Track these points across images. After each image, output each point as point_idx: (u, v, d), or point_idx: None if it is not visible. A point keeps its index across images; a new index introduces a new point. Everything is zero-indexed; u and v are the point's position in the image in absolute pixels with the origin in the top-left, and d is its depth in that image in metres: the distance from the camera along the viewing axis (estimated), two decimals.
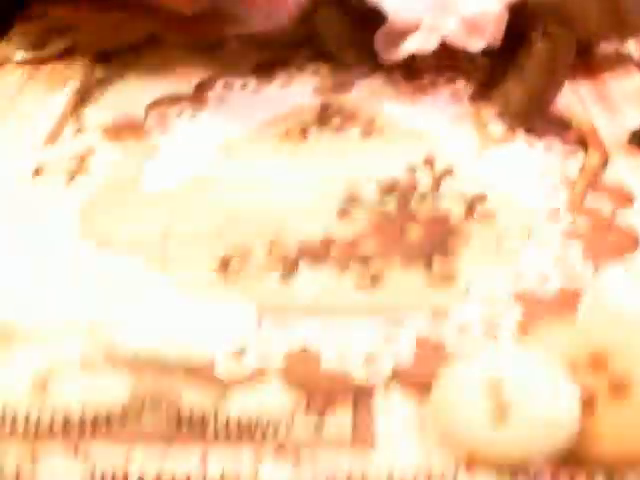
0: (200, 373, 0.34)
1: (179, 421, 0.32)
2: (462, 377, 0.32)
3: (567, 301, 0.36)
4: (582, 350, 0.31)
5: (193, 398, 0.33)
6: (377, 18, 0.53)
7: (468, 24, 0.51)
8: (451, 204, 0.42)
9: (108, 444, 0.31)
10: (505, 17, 0.50)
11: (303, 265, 0.39)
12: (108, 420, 0.32)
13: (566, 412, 0.29)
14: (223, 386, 0.34)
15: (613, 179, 0.44)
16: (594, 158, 0.45)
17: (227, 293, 0.38)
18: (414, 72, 0.55)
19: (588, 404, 0.30)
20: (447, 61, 0.55)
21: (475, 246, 0.40)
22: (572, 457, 0.30)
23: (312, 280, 0.39)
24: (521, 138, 0.48)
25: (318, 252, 0.40)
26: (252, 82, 0.56)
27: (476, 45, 0.51)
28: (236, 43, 0.61)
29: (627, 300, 0.37)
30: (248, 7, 0.58)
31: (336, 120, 0.51)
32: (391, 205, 0.43)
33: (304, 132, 0.50)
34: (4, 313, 0.37)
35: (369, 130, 0.49)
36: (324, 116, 0.51)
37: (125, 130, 0.51)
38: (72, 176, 0.47)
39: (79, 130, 0.52)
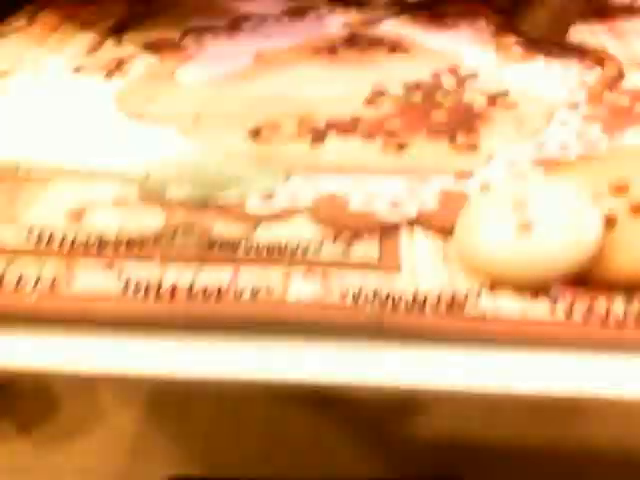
0: (231, 210, 0.35)
1: (211, 244, 0.33)
2: (488, 199, 0.33)
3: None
4: (603, 180, 0.32)
5: (224, 228, 0.34)
6: None
7: None
8: (474, 97, 0.44)
9: (142, 262, 0.32)
10: None
11: (331, 136, 0.41)
12: (142, 242, 0.33)
13: (587, 231, 0.30)
14: (253, 220, 0.35)
15: (630, 85, 0.46)
16: (611, 69, 0.46)
17: (258, 152, 0.40)
18: (438, 14, 0.58)
19: (609, 224, 0.30)
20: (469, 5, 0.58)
21: (498, 126, 0.41)
22: (592, 278, 0.30)
23: (340, 146, 0.40)
24: (540, 59, 0.50)
25: (346, 127, 0.42)
26: (285, 18, 0.59)
27: None
28: None
29: None
30: None
31: (364, 43, 0.53)
32: (417, 98, 0.45)
33: (333, 50, 0.52)
34: (44, 158, 0.39)
35: (395, 48, 0.52)
36: (352, 40, 0.54)
37: (162, 44, 0.54)
38: (110, 74, 0.49)
39: (117, 44, 0.54)
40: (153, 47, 0.53)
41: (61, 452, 1.00)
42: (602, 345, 0.29)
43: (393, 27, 0.56)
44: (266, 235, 0.34)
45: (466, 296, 0.30)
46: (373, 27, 0.57)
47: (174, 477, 0.91)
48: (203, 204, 0.36)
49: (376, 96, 0.45)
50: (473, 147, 0.39)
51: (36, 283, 0.31)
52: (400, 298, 0.30)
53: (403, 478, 0.96)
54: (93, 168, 0.39)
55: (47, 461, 0.99)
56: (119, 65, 0.50)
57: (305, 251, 0.33)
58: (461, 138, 0.40)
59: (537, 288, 0.30)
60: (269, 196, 0.36)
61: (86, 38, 0.56)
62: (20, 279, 0.31)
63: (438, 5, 0.59)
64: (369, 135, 0.41)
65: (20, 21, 0.59)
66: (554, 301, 0.30)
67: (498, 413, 1.00)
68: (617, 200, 0.31)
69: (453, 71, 0.48)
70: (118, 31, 0.58)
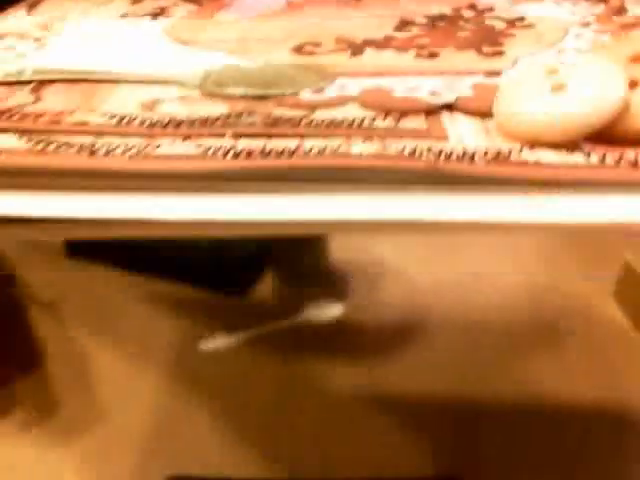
0: (288, 100, 0.39)
1: (274, 122, 0.37)
2: (522, 70, 0.37)
3: None
4: (625, 52, 0.36)
5: (284, 113, 0.38)
6: None
7: None
8: (494, 23, 0.49)
9: (216, 137, 0.35)
10: None
11: (368, 51, 0.45)
12: (212, 122, 0.37)
13: (614, 89, 0.34)
14: (309, 107, 0.38)
15: (632, 14, 0.50)
16: (615, 2, 0.51)
17: (304, 62, 0.43)
18: None
19: (631, 86, 0.34)
20: None
21: (519, 39, 0.45)
22: (617, 134, 0.34)
23: (377, 57, 0.44)
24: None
25: (381, 43, 0.46)
26: None
27: None
28: None
29: None
30: None
31: None
32: (442, 24, 0.49)
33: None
34: (110, 69, 0.43)
35: None
36: None
37: None
38: (155, 16, 0.53)
39: None
40: None
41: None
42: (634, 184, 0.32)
43: None
44: (323, 115, 0.37)
45: (510, 151, 0.33)
46: None
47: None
48: (262, 98, 0.39)
49: (403, 25, 0.49)
50: (499, 53, 0.43)
51: (124, 152, 0.34)
52: (452, 152, 0.33)
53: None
54: (155, 77, 0.42)
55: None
56: (162, 11, 0.54)
57: (361, 123, 0.36)
58: (487, 48, 0.44)
59: (573, 143, 0.34)
60: (320, 90, 0.40)
61: None
62: (109, 149, 0.34)
63: None
64: (403, 48, 0.45)
65: None
66: (587, 154, 0.33)
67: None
68: (636, 67, 0.35)
69: (471, 6, 0.52)
70: None
